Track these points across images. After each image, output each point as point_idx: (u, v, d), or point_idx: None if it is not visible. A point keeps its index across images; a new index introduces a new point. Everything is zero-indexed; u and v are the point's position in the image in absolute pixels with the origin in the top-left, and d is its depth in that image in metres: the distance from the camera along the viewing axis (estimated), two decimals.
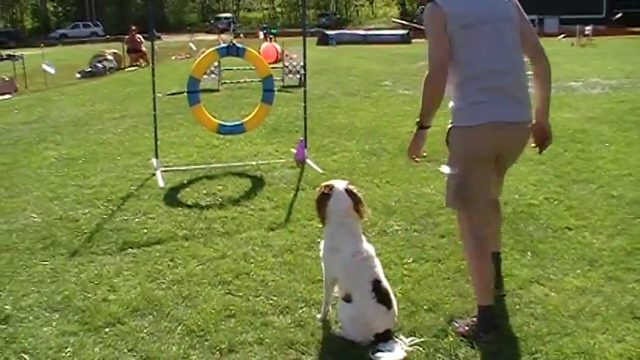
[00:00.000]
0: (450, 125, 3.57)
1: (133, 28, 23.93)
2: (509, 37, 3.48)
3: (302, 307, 3.84)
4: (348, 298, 3.37)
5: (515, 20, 3.54)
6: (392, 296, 3.39)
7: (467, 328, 3.49)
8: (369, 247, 3.46)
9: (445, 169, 3.68)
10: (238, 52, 7.19)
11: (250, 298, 3.98)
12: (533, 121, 3.61)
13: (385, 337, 3.33)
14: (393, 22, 54.79)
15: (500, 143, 3.50)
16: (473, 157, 3.50)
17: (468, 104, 3.45)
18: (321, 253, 3.62)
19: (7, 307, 3.94)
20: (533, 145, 3.75)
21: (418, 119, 3.56)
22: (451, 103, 3.57)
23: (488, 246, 3.64)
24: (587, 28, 28.26)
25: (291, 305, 3.87)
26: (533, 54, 3.66)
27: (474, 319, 3.51)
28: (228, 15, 62.12)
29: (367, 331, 3.34)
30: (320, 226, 4.84)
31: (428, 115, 3.53)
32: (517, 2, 3.61)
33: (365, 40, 32.84)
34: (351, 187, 3.52)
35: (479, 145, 3.47)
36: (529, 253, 4.63)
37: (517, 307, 3.80)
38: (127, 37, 24.21)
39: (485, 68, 3.40)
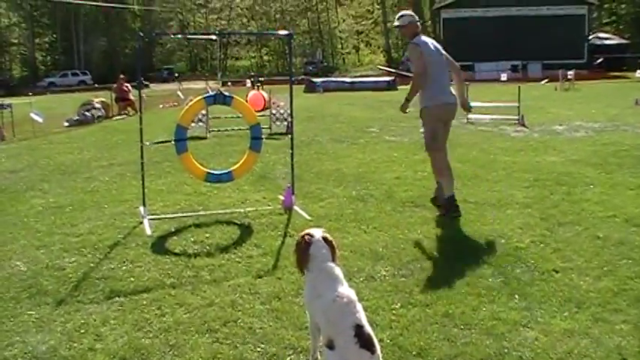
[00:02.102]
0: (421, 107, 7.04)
1: (121, 77, 24.11)
2: (445, 66, 7.10)
3: (290, 355, 3.82)
4: (330, 345, 3.31)
5: (445, 59, 7.13)
6: (375, 341, 3.33)
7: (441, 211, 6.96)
8: (350, 292, 3.41)
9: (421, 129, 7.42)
10: (225, 101, 7.26)
11: (238, 345, 3.96)
12: (459, 101, 7.30)
13: None
14: (379, 69, 55.53)
15: (440, 113, 6.99)
16: (435, 121, 7.01)
17: (429, 97, 6.91)
18: (304, 300, 3.63)
19: None
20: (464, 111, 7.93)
21: (407, 96, 6.97)
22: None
23: (445, 165, 7.05)
24: (570, 72, 28.75)
25: (279, 353, 3.84)
26: (455, 73, 7.38)
27: (445, 204, 6.94)
28: (171, 66, 66.34)
29: None
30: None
31: (412, 94, 6.95)
32: (444, 51, 7.20)
33: (351, 87, 33.18)
34: (327, 234, 3.57)
35: (433, 116, 6.99)
36: (516, 296, 4.64)
37: (506, 350, 3.79)
38: (114, 85, 24.37)
39: (437, 81, 6.89)
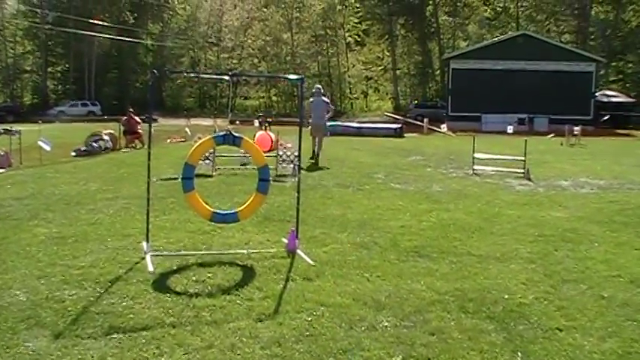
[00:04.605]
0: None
1: (131, 110, 24.21)
2: (321, 109, 17.46)
3: None
4: None
5: (324, 107, 17.62)
6: None
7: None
8: None
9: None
10: (235, 141, 7.28)
11: None
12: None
13: None
14: (387, 116, 55.84)
15: (314, 128, 17.39)
16: (311, 130, 17.44)
17: (310, 121, 17.28)
18: None
19: None
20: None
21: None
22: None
23: (314, 144, 17.32)
24: (576, 128, 28.80)
25: None
26: (328, 110, 18.11)
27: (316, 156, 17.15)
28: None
29: None
30: (309, 319, 4.91)
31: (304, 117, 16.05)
32: (327, 101, 18.29)
33: (358, 132, 33.16)
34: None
35: (311, 128, 17.33)
36: (519, 353, 4.59)
37: None
38: (124, 118, 24.44)
39: (313, 115, 17.32)
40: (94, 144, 21.18)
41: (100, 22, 65.82)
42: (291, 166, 14.70)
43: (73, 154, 20.16)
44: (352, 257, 7.24)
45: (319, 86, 18.48)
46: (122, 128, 23.98)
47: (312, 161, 16.81)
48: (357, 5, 75.11)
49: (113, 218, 9.27)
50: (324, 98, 17.92)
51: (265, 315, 5.28)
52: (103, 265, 6.67)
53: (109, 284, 6.04)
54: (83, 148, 20.76)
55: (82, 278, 6.20)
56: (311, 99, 17.92)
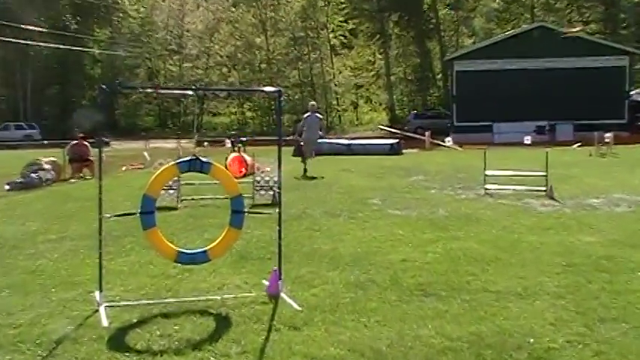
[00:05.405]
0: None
1: (81, 135, 24.07)
2: (316, 125, 22.56)
3: None
4: None
5: (318, 123, 22.70)
6: None
7: None
8: None
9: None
10: (202, 168, 7.27)
11: None
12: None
13: None
14: (381, 129, 56.05)
15: (307, 142, 22.66)
16: (306, 144, 22.74)
17: (306, 135, 22.52)
18: None
19: None
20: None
21: (295, 137, 24.78)
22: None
23: (304, 160, 22.12)
24: (607, 135, 28.89)
25: None
26: (321, 127, 23.52)
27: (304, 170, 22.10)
28: None
29: None
30: None
31: (296, 137, 23.78)
32: (321, 117, 23.76)
33: (349, 150, 33.20)
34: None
35: (304, 143, 22.59)
36: None
37: None
38: (72, 142, 24.27)
39: (309, 130, 22.37)
40: (33, 175, 21.03)
41: (36, 28, 65.16)
42: (270, 193, 14.66)
43: (7, 187, 20.00)
44: (346, 299, 7.23)
45: (314, 103, 25.34)
46: (68, 156, 23.83)
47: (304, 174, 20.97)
48: (342, 1, 75.44)
49: (58, 264, 9.21)
50: (317, 115, 22.93)
51: None
52: (46, 322, 6.60)
53: (54, 345, 5.97)
54: (19, 180, 20.61)
55: (19, 340, 6.11)
56: (306, 114, 22.90)
